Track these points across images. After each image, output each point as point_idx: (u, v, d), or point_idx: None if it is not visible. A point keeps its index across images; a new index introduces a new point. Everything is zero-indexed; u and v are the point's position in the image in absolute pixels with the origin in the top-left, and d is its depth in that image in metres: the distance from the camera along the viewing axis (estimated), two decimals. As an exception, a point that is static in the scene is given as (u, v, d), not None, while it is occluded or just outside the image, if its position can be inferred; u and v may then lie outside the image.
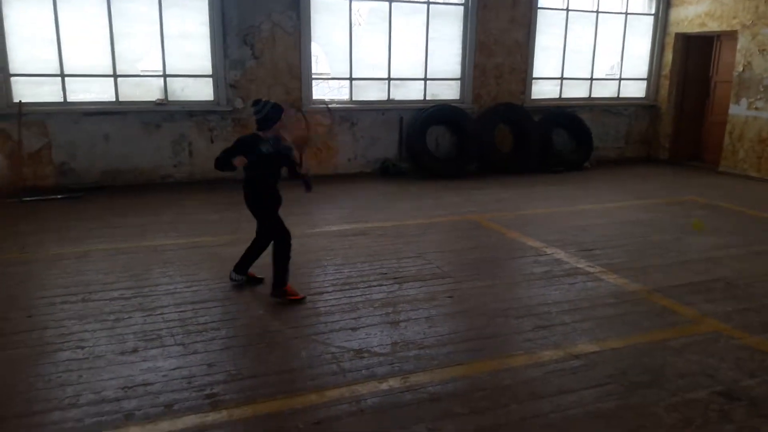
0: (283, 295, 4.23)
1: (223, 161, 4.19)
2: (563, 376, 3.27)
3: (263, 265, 4.48)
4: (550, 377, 3.27)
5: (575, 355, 3.50)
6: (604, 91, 10.65)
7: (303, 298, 4.27)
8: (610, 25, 10.35)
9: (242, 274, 4.55)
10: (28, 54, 7.39)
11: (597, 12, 10.17)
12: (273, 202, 4.39)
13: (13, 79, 7.37)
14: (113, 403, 2.94)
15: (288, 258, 4.29)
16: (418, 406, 2.98)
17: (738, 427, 2.85)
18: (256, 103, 4.26)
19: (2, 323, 3.80)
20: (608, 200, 7.65)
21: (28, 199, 7.05)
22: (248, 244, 4.56)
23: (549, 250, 5.45)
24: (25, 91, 7.42)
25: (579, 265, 5.06)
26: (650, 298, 4.40)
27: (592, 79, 10.45)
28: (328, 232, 5.99)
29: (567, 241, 5.75)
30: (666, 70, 10.63)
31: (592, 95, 10.53)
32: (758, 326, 3.94)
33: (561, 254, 5.35)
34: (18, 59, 7.35)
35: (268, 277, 4.41)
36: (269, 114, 4.21)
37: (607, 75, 10.66)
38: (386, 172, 9.04)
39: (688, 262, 5.22)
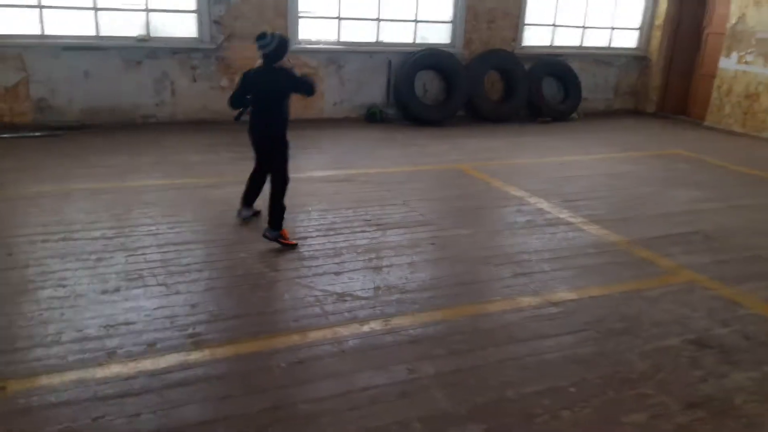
0: (278, 239, 4.22)
1: (238, 99, 4.29)
2: (541, 322, 3.35)
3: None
4: (528, 322, 3.34)
5: (553, 303, 3.57)
6: (595, 40, 10.49)
7: (295, 245, 4.26)
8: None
9: (250, 208, 4.65)
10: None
11: (593, -43, 9.91)
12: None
13: (-13, 9, 7.08)
14: (96, 340, 2.96)
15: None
16: (398, 348, 3.04)
17: (707, 372, 2.95)
18: (263, 36, 4.15)
19: (-19, 260, 3.78)
20: (594, 152, 7.66)
21: (5, 135, 6.90)
22: (242, 184, 4.55)
23: (532, 200, 5.48)
24: (0, 23, 7.14)
25: (561, 216, 5.11)
26: (629, 249, 4.47)
27: (584, 27, 10.27)
28: (313, 178, 5.95)
29: (551, 191, 5.78)
30: (659, 20, 10.46)
31: (584, 44, 10.38)
32: (732, 278, 4.03)
33: (544, 204, 5.38)
34: (-9, -12, 7.05)
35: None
36: (278, 47, 4.15)
37: (599, 24, 10.47)
38: (373, 118, 8.92)
39: (669, 214, 5.29)
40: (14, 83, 7.29)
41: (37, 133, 7.08)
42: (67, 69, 7.43)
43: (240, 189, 4.75)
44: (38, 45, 7.29)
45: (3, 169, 5.69)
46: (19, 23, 7.23)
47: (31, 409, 2.48)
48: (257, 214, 4.72)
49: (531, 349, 3.08)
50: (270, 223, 4.24)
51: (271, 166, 4.40)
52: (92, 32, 7.51)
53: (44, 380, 2.66)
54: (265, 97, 4.25)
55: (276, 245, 4.20)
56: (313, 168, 6.30)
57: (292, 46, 8.21)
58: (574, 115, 9.97)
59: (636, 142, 8.41)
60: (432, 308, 3.46)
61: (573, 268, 4.09)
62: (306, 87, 4.36)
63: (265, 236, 4.23)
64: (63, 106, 7.52)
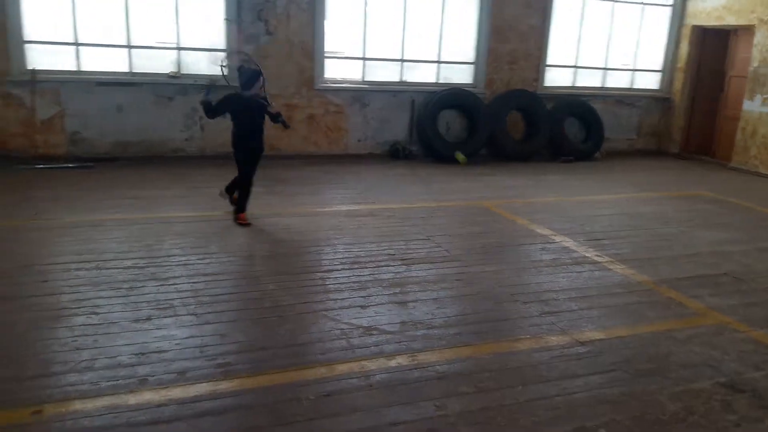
0: (238, 219, 5.37)
1: (214, 109, 5.31)
2: (569, 361, 3.32)
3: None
4: (556, 362, 3.32)
5: (581, 342, 3.55)
6: (617, 81, 10.60)
7: (249, 224, 5.34)
8: (627, 15, 10.27)
9: (230, 194, 5.63)
10: (43, 21, 7.39)
11: (614, 0, 10.08)
12: None
13: (27, 45, 7.37)
14: (128, 368, 3.00)
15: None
16: (425, 384, 3.03)
17: (740, 417, 2.90)
18: (239, 69, 5.39)
19: (18, 287, 3.87)
20: (618, 191, 7.66)
21: (41, 166, 7.10)
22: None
23: (557, 238, 5.49)
24: (39, 59, 7.43)
25: (587, 254, 5.10)
26: (657, 289, 4.44)
27: (606, 68, 10.39)
28: (338, 212, 6.03)
29: (575, 230, 5.78)
30: (681, 63, 10.55)
31: (606, 85, 10.48)
32: (762, 320, 3.98)
33: (569, 243, 5.39)
34: (33, 26, 7.35)
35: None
36: (251, 80, 5.24)
37: (621, 65, 10.59)
38: (396, 154, 9.05)
39: (696, 255, 5.25)
40: (50, 116, 7.54)
41: (70, 165, 7.29)
42: (101, 103, 7.68)
43: (265, 221, 4.84)
44: (74, 80, 7.57)
45: (39, 199, 5.85)
46: (57, 59, 7.51)
47: (65, 434, 2.52)
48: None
49: (560, 388, 3.06)
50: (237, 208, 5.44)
51: (251, 166, 5.44)
52: (126, 68, 7.78)
53: (78, 405, 2.69)
54: (250, 117, 5.33)
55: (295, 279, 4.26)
56: (338, 202, 6.39)
57: (318, 85, 8.46)
58: (597, 154, 10.01)
59: (660, 182, 8.40)
60: (459, 344, 3.45)
61: (600, 308, 4.07)
62: (272, 117, 5.42)
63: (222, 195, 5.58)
64: (95, 138, 7.75)
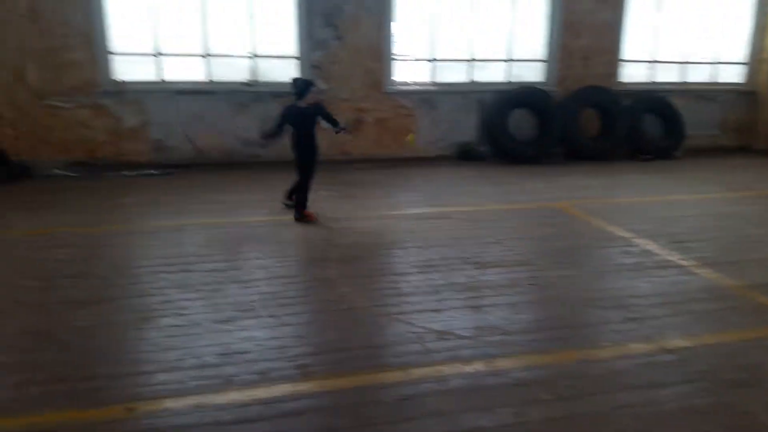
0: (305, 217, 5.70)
1: (278, 127, 5.63)
2: (654, 370, 3.20)
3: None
4: (641, 370, 3.20)
5: (667, 350, 3.41)
6: (698, 75, 10.11)
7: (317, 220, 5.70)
8: (707, 5, 9.78)
9: (290, 199, 5.98)
10: (127, 34, 7.80)
11: (695, -9, 9.64)
12: None
13: (113, 57, 7.80)
14: (213, 368, 3.12)
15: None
16: (503, 390, 3.00)
17: None
18: (295, 80, 5.67)
19: (111, 289, 4.10)
20: (701, 191, 7.31)
21: (127, 174, 7.50)
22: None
23: (638, 241, 5.29)
24: (124, 70, 7.84)
25: (671, 258, 4.89)
26: (746, 295, 4.20)
27: (686, 62, 9.94)
28: (409, 215, 6.05)
29: (657, 232, 5.56)
30: (766, 54, 9.95)
31: (686, 79, 10.03)
32: None
33: (651, 245, 5.18)
34: (118, 39, 7.78)
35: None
36: (304, 90, 5.57)
37: (702, 58, 10.10)
38: (466, 155, 8.99)
39: (789, 258, 4.94)
40: (135, 125, 7.94)
41: (153, 171, 7.65)
42: (182, 111, 8.02)
43: (338, 225, 4.93)
44: (156, 90, 7.95)
45: (126, 204, 6.19)
46: (140, 69, 7.91)
47: (157, 430, 2.65)
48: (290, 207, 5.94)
49: (645, 398, 2.95)
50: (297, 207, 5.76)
51: (306, 171, 5.73)
52: (204, 77, 8.10)
53: (168, 403, 2.82)
54: (304, 125, 5.61)
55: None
56: (408, 205, 6.41)
57: (387, 88, 8.52)
58: (677, 152, 9.59)
59: (746, 181, 7.95)
60: (537, 351, 3.39)
61: (686, 314, 3.89)
62: (332, 120, 5.76)
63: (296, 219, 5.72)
64: (177, 146, 8.11)
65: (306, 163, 5.71)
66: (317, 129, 5.71)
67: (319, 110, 5.69)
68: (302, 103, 5.58)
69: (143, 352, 3.30)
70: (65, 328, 3.54)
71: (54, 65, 7.53)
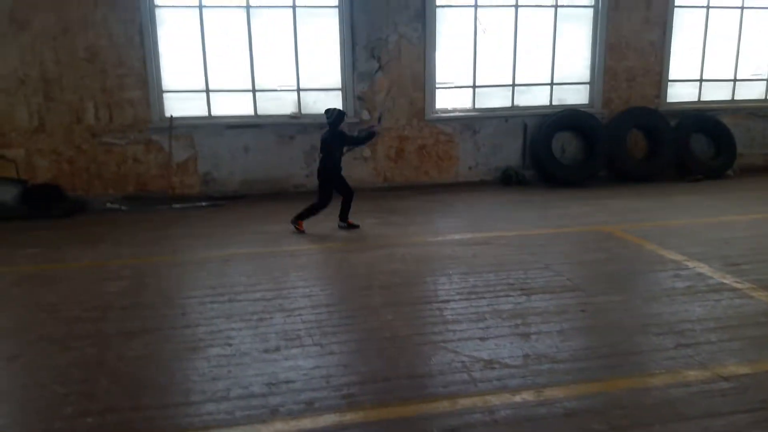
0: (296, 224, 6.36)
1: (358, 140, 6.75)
2: (711, 398, 3.07)
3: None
4: (696, 398, 3.07)
5: (724, 377, 3.26)
6: (749, 92, 9.83)
7: (304, 231, 6.35)
8: (757, 21, 9.53)
9: (344, 222, 6.53)
10: (178, 72, 8.12)
11: (742, 8, 9.41)
12: None
13: (165, 95, 8.12)
14: (260, 398, 3.15)
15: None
16: (553, 421, 2.92)
17: None
18: (328, 111, 6.32)
19: (161, 319, 4.20)
20: (755, 211, 7.04)
21: (177, 206, 7.74)
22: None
23: (690, 264, 5.12)
24: (175, 106, 8.15)
25: (725, 281, 4.71)
26: (810, 319, 4.00)
27: (735, 80, 9.68)
28: (451, 241, 6.02)
29: (710, 254, 5.37)
30: (824, 68, 9.61)
31: (736, 97, 9.75)
32: None
33: (704, 268, 5.01)
34: (169, 77, 8.10)
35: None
36: (336, 119, 6.29)
37: (752, 75, 9.82)
38: (508, 180, 8.92)
39: None
40: (185, 159, 8.21)
41: (203, 203, 7.87)
42: (229, 145, 8.26)
43: (381, 252, 4.94)
44: (205, 124, 8.21)
45: (176, 236, 6.37)
46: (190, 105, 8.20)
47: (206, 460, 2.68)
48: (357, 227, 6.52)
49: (702, 428, 2.83)
50: (298, 215, 6.42)
51: (341, 189, 6.46)
52: (251, 111, 8.33)
53: (216, 433, 2.86)
54: (330, 149, 6.27)
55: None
56: (451, 231, 6.38)
57: (429, 116, 8.59)
58: (730, 171, 9.30)
59: (806, 200, 7.62)
60: (587, 380, 3.30)
61: (743, 339, 3.73)
62: (355, 141, 6.73)
63: (340, 226, 6.49)
64: (225, 178, 8.33)
65: (327, 183, 6.36)
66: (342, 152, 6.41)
67: (345, 136, 6.44)
68: (337, 131, 6.30)
69: (192, 381, 3.36)
70: (117, 358, 3.64)
71: (110, 104, 7.89)
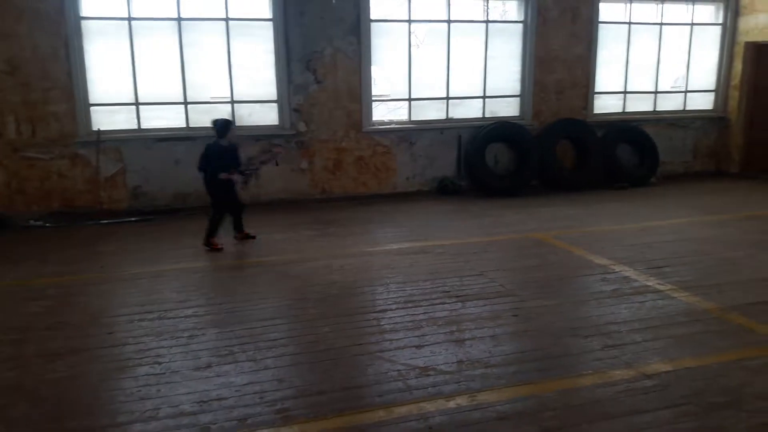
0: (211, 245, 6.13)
1: (204, 163, 6.21)
2: (636, 396, 3.19)
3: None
4: (622, 397, 3.19)
5: (648, 375, 3.40)
6: (669, 104, 10.36)
7: (221, 249, 6.13)
8: (675, 37, 10.10)
9: (240, 232, 6.48)
10: (106, 85, 7.85)
11: (661, 24, 9.94)
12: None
13: (92, 108, 7.83)
14: (190, 416, 3.06)
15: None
16: (486, 425, 2.97)
17: (828, 452, 2.70)
18: (215, 121, 6.20)
19: (87, 339, 4.03)
20: (677, 216, 7.41)
21: (105, 221, 7.45)
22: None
23: (617, 268, 5.33)
24: (102, 119, 7.87)
25: (649, 283, 4.93)
26: (725, 317, 4.23)
27: (656, 92, 10.19)
28: (389, 251, 6.05)
29: (635, 258, 5.61)
30: (735, 81, 10.26)
31: (657, 108, 10.27)
32: None
33: (629, 272, 5.22)
34: (96, 90, 7.82)
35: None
36: (222, 129, 6.12)
37: (672, 87, 10.37)
38: (445, 190, 9.06)
39: (764, 279, 4.99)
40: (113, 173, 7.93)
41: (132, 218, 7.61)
42: (160, 158, 8.03)
43: (319, 264, 4.89)
44: (134, 138, 7.96)
45: (104, 253, 6.12)
46: (118, 119, 7.94)
47: (132, 483, 2.57)
48: (251, 237, 6.47)
49: (627, 425, 2.93)
50: (207, 234, 6.19)
51: (227, 202, 6.29)
52: (182, 124, 8.14)
53: (143, 455, 2.76)
54: (224, 161, 6.10)
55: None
56: (389, 241, 6.42)
57: (366, 128, 8.63)
58: (653, 179, 9.75)
59: (721, 204, 8.08)
60: (519, 383, 3.37)
61: (666, 338, 3.90)
62: (242, 168, 6.54)
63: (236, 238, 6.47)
64: (155, 192, 8.08)
65: (221, 199, 6.22)
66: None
67: (235, 152, 6.29)
68: (224, 142, 6.14)
69: (119, 402, 3.23)
70: (39, 380, 3.47)
71: (32, 118, 7.54)
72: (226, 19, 8.05)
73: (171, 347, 3.87)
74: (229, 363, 3.63)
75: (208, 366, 3.60)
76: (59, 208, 7.75)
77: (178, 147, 8.07)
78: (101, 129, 7.77)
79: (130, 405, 3.19)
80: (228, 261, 5.78)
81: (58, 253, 6.14)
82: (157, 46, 7.91)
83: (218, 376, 3.48)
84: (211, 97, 8.22)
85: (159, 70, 7.96)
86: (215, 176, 6.11)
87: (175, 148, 8.06)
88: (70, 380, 3.48)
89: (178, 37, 7.91)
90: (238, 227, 6.50)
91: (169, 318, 4.35)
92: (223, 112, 8.24)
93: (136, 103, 7.95)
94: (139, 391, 3.33)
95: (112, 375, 3.53)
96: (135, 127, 8.00)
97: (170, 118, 8.11)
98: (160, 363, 3.65)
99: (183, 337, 4.02)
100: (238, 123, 8.25)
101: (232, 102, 8.26)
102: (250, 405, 3.16)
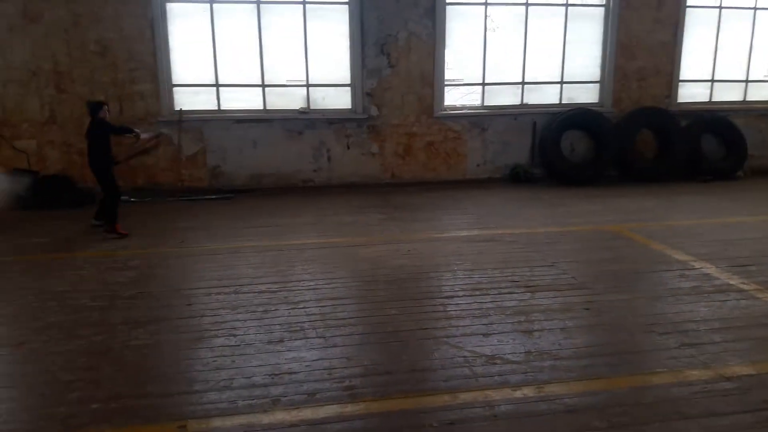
0: (112, 231, 6.09)
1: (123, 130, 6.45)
2: (713, 398, 3.06)
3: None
4: (698, 398, 3.07)
5: (727, 377, 3.26)
6: (761, 94, 9.75)
7: (127, 234, 6.08)
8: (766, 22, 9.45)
9: (99, 221, 6.35)
10: (188, 66, 8.16)
11: (755, 9, 9.33)
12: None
13: (175, 89, 8.17)
14: (262, 388, 3.18)
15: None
16: (553, 417, 2.93)
17: None
18: (89, 102, 6.34)
19: (167, 310, 4.24)
20: (764, 213, 6.99)
21: (185, 198, 7.79)
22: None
23: (697, 264, 5.10)
24: (184, 100, 8.19)
25: (731, 282, 4.69)
26: (816, 322, 3.98)
27: (747, 81, 9.60)
28: (457, 237, 6.02)
29: (717, 255, 5.35)
30: (838, 70, 9.52)
31: (747, 98, 9.68)
32: None
33: (711, 269, 4.99)
34: (179, 71, 8.15)
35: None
36: (94, 109, 6.14)
37: (765, 76, 9.74)
38: (517, 178, 8.91)
39: None
40: (194, 152, 8.25)
41: (211, 196, 7.92)
42: (238, 139, 8.29)
43: (387, 247, 4.96)
44: (214, 119, 8.24)
45: (184, 228, 6.41)
46: (199, 99, 8.24)
47: (208, 447, 2.71)
48: (120, 234, 6.13)
49: (703, 427, 2.82)
50: (107, 222, 6.15)
51: (107, 187, 6.22)
52: (260, 106, 8.36)
53: (218, 422, 2.89)
54: (91, 141, 6.14)
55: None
56: (458, 228, 6.39)
57: (438, 113, 8.58)
58: (740, 173, 9.23)
59: (816, 203, 7.56)
60: (589, 377, 3.30)
61: (748, 340, 3.72)
62: (119, 130, 6.40)
63: (105, 231, 6.14)
64: (233, 172, 8.37)
65: (103, 177, 6.19)
66: (110, 144, 6.27)
67: (107, 126, 6.19)
68: (98, 119, 6.15)
69: (195, 371, 3.39)
70: (124, 346, 3.68)
71: (120, 97, 7.94)
72: (303, 2, 8.17)
73: (245, 321, 4.02)
74: (300, 339, 3.74)
75: (281, 341, 3.72)
76: (143, 185, 8.16)
77: (255, 129, 8.31)
78: (183, 109, 8.08)
79: (206, 374, 3.34)
80: (300, 240, 5.92)
81: (141, 227, 6.48)
82: (237, 29, 8.14)
83: (289, 350, 3.59)
84: (287, 80, 8.40)
85: (238, 52, 8.20)
86: (99, 156, 6.14)
87: (252, 130, 8.30)
88: (151, 347, 3.68)
89: (257, 20, 8.10)
90: (102, 215, 6.31)
91: (244, 293, 4.52)
92: (298, 95, 8.41)
93: (216, 85, 8.22)
94: (215, 361, 3.48)
95: (189, 345, 3.71)
96: (215, 108, 8.29)
97: (248, 100, 8.35)
98: (235, 335, 3.80)
99: (257, 311, 4.17)
100: (312, 106, 8.42)
101: (308, 85, 8.40)
102: (319, 380, 3.25)
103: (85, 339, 3.78)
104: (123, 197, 7.79)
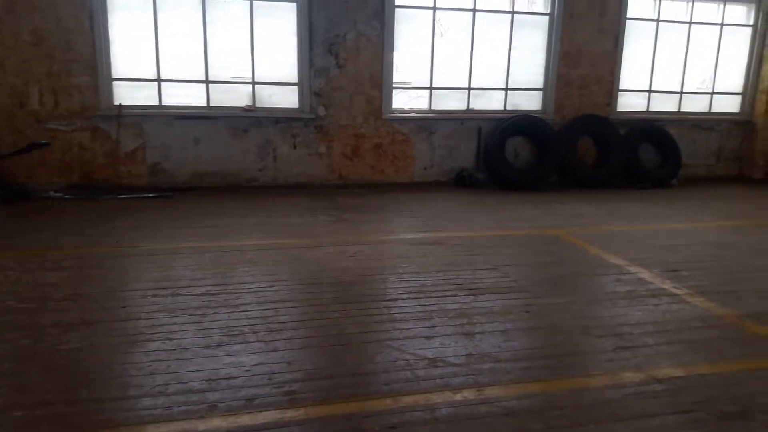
0: None
1: None
2: (645, 400, 3.16)
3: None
4: (632, 399, 3.16)
5: (658, 379, 3.37)
6: (694, 105, 10.20)
7: None
8: (704, 37, 9.92)
9: None
10: (129, 60, 7.90)
11: (690, 23, 9.77)
12: None
13: (114, 83, 7.88)
14: (198, 393, 3.08)
15: None
16: (493, 420, 2.95)
17: (840, 468, 2.66)
18: None
19: (101, 312, 4.07)
20: (697, 220, 7.31)
21: (123, 196, 7.52)
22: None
23: (632, 269, 5.28)
24: (125, 95, 7.92)
25: (664, 286, 4.87)
26: (741, 324, 4.17)
27: (682, 92, 10.03)
28: (403, 240, 6.04)
29: (652, 260, 5.54)
30: (764, 84, 10.07)
31: (682, 109, 10.11)
32: None
33: (645, 274, 5.17)
34: (119, 64, 7.87)
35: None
36: None
37: (698, 88, 10.20)
38: (462, 182, 9.01)
39: (785, 288, 4.91)
40: (133, 149, 7.99)
41: (150, 194, 7.67)
42: (180, 136, 8.07)
43: (332, 250, 4.90)
44: (155, 114, 8.00)
45: (121, 228, 6.18)
46: (140, 94, 7.99)
47: (139, 457, 2.61)
48: None
49: (635, 428, 2.91)
50: None
51: None
52: (203, 103, 8.17)
53: (152, 429, 2.78)
54: None
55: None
56: (404, 230, 6.40)
57: (386, 115, 8.59)
58: (674, 181, 9.63)
59: (744, 210, 7.96)
60: (528, 379, 3.35)
61: (678, 343, 3.86)
62: None
63: None
64: (174, 169, 8.14)
65: None
66: None
67: None
68: None
69: (130, 376, 3.26)
70: (53, 350, 3.51)
71: (55, 89, 7.60)
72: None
73: (183, 324, 3.89)
74: (240, 343, 3.65)
75: (219, 345, 3.62)
76: (79, 181, 7.84)
77: (198, 126, 8.11)
78: (123, 104, 7.81)
79: (141, 379, 3.22)
80: (243, 242, 5.80)
81: (75, 226, 6.21)
82: (180, 23, 7.93)
83: (228, 355, 3.50)
84: (233, 77, 8.24)
85: (182, 47, 7.99)
86: None
87: (194, 127, 8.10)
88: (83, 351, 3.52)
89: (202, 15, 7.91)
90: None
91: (182, 295, 4.39)
92: (243, 93, 8.27)
93: (158, 80, 7.99)
94: (150, 366, 3.36)
95: (124, 349, 3.57)
96: (156, 103, 8.04)
97: (191, 96, 8.14)
98: (171, 339, 3.68)
99: (195, 314, 4.05)
100: (258, 104, 8.29)
101: (253, 83, 8.27)
102: (258, 386, 3.18)
103: (11, 343, 3.58)
104: (57, 193, 7.49)
